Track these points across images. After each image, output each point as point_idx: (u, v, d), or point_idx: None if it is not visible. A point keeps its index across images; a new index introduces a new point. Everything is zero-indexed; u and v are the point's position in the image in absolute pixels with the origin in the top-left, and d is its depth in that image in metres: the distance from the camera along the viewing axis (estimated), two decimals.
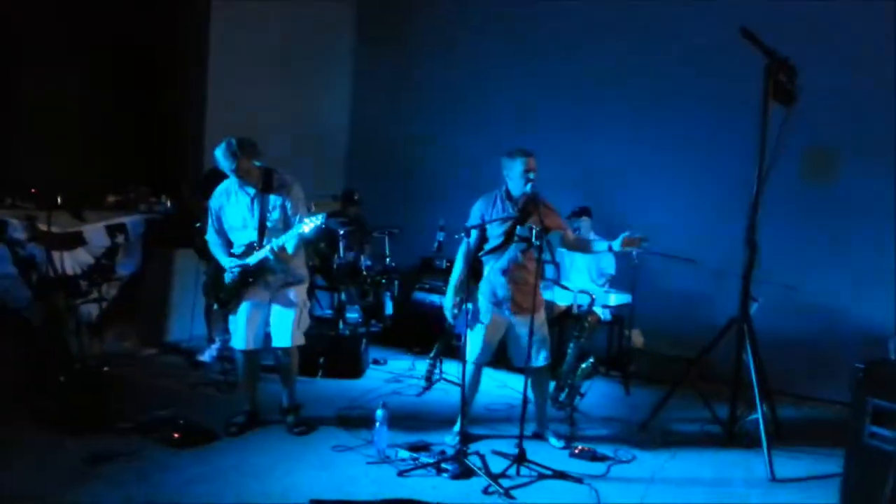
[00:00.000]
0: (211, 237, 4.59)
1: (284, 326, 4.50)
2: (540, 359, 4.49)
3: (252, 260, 4.38)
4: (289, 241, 4.26)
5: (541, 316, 4.57)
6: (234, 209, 4.47)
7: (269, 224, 4.42)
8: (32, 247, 5.25)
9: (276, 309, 4.52)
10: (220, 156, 4.28)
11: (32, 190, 5.69)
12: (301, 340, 4.61)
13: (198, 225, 5.70)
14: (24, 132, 5.86)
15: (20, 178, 5.82)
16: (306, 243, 4.69)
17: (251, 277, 4.45)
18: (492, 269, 4.48)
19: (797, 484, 4.29)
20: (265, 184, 4.43)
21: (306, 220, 4.21)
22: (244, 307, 4.50)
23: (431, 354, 5.69)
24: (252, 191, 4.42)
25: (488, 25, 7.42)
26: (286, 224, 4.40)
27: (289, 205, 4.42)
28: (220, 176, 5.61)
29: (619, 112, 6.74)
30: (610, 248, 4.55)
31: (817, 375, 5.71)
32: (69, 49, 6.03)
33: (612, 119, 6.77)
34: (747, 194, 4.72)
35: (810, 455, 4.66)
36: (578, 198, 6.25)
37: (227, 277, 4.49)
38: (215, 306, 4.90)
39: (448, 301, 4.53)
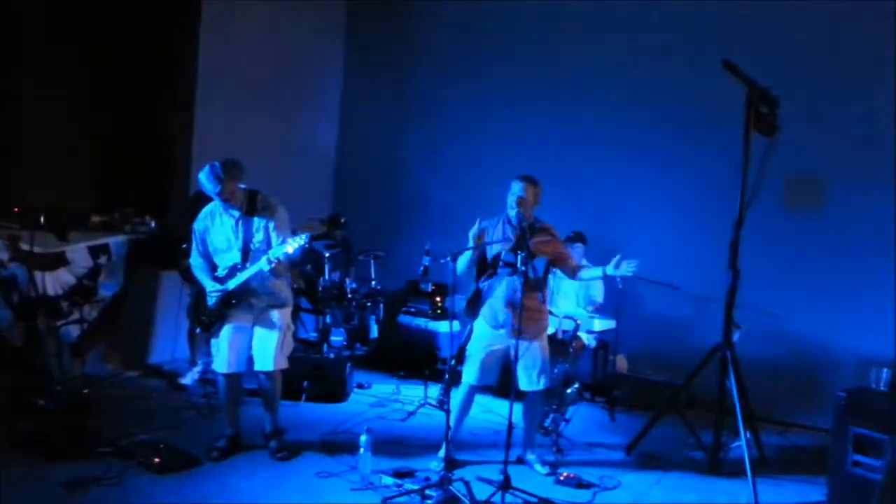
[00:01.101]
0: (195, 261, 4.56)
1: (267, 350, 4.47)
2: (540, 383, 4.50)
3: (241, 278, 4.35)
4: (279, 252, 4.23)
5: (542, 340, 4.58)
6: (218, 231, 4.46)
7: (252, 246, 4.41)
8: (14, 267, 5.20)
9: (258, 332, 4.49)
10: (205, 180, 4.26)
11: (15, 209, 5.65)
12: (284, 364, 4.57)
13: (184, 246, 5.67)
14: (7, 152, 5.83)
15: (3, 198, 5.79)
16: (291, 265, 4.67)
17: (234, 300, 4.42)
18: (493, 296, 4.49)
19: None
20: (249, 206, 4.42)
21: (290, 240, 4.21)
22: (226, 330, 4.46)
23: (445, 377, 5.60)
24: (237, 213, 4.41)
25: (480, 50, 7.47)
26: (269, 246, 4.38)
27: (272, 227, 4.41)
28: (205, 198, 5.63)
29: (606, 138, 6.80)
30: (604, 273, 4.55)
31: (801, 402, 5.74)
32: (58, 71, 6.03)
33: (600, 143, 6.82)
34: (732, 220, 4.77)
35: (794, 482, 4.66)
36: (567, 222, 6.28)
37: (211, 301, 4.46)
38: (197, 330, 4.86)
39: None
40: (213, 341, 4.58)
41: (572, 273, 4.69)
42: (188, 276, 5.78)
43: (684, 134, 6.43)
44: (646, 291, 6.26)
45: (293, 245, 4.19)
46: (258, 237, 4.41)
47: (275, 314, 4.50)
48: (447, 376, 5.63)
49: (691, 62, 6.26)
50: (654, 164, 6.60)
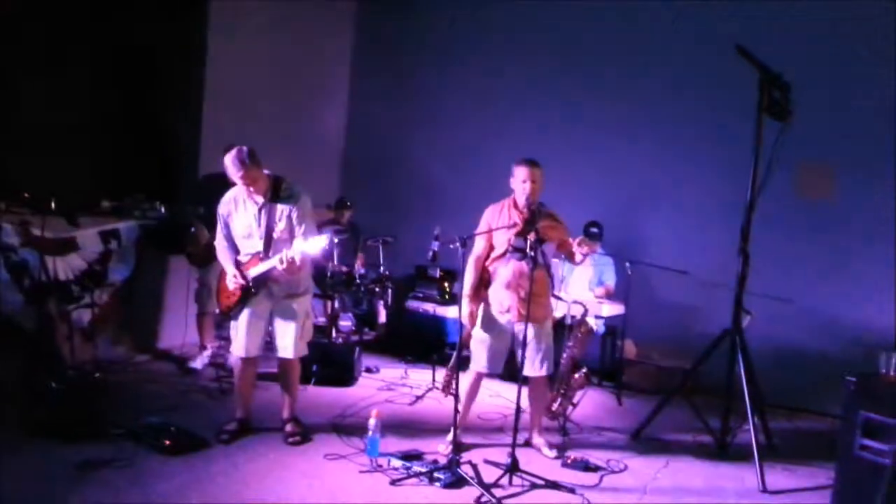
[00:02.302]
0: (219, 243, 4.57)
1: (287, 338, 4.50)
2: (544, 368, 4.52)
3: (258, 270, 4.37)
4: (296, 252, 4.23)
5: (547, 326, 4.59)
6: (241, 218, 4.45)
7: (275, 234, 4.40)
8: (25, 252, 5.24)
9: (278, 319, 4.51)
10: (229, 163, 4.26)
11: (25, 194, 5.68)
12: (304, 352, 4.61)
13: (192, 230, 5.70)
14: (19, 136, 5.85)
15: (14, 183, 5.82)
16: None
17: (254, 287, 4.44)
18: (498, 279, 4.50)
19: (788, 495, 4.30)
20: (273, 193, 4.41)
21: (312, 239, 4.20)
22: (245, 314, 4.48)
23: (450, 365, 5.56)
24: (260, 200, 4.41)
25: (486, 35, 7.46)
26: (292, 235, 4.38)
27: (295, 216, 4.39)
28: (213, 182, 5.62)
29: (614, 123, 6.78)
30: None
31: (810, 388, 5.72)
32: (67, 55, 6.04)
33: (609, 129, 6.81)
34: (742, 206, 4.74)
35: (802, 467, 4.68)
36: (574, 209, 6.28)
37: (231, 285, 4.49)
38: (217, 311, 4.89)
39: (464, 311, 4.48)
40: (232, 324, 4.60)
41: (572, 257, 4.66)
42: (195, 260, 5.83)
43: (695, 117, 6.41)
44: (655, 277, 6.26)
45: (313, 245, 4.18)
46: (281, 226, 4.39)
47: (294, 302, 4.51)
48: (452, 361, 5.62)
49: (700, 49, 6.23)
50: (663, 150, 6.59)
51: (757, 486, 4.31)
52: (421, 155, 7.75)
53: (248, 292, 4.44)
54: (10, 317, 5.22)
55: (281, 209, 4.39)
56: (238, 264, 4.48)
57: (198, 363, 5.86)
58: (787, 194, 5.81)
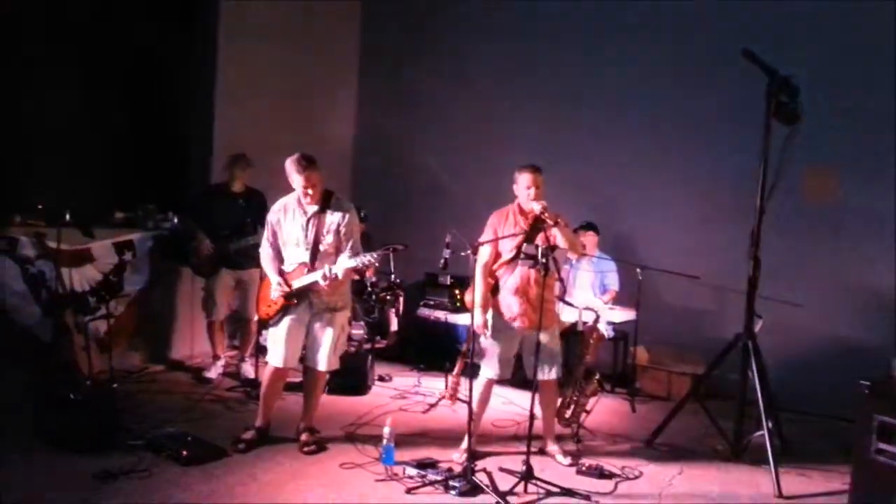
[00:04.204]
0: (264, 250, 4.63)
1: (321, 350, 4.54)
2: (550, 373, 4.53)
3: (301, 282, 4.43)
4: (340, 269, 4.32)
5: (554, 331, 4.60)
6: (289, 226, 4.52)
7: (321, 247, 4.46)
8: (42, 263, 5.30)
9: (314, 331, 4.55)
10: (290, 166, 4.34)
11: (40, 206, 5.73)
12: (335, 365, 4.65)
13: (193, 243, 5.76)
14: (33, 149, 5.91)
15: (29, 195, 5.88)
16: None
17: (295, 298, 4.49)
18: (506, 286, 4.52)
19: (804, 500, 4.29)
20: (323, 205, 4.47)
21: (361, 258, 4.28)
22: (285, 324, 4.52)
23: (455, 372, 5.57)
24: (311, 209, 4.46)
25: (495, 46, 7.49)
26: (338, 248, 4.44)
27: (344, 230, 4.46)
28: (208, 195, 5.57)
29: (624, 127, 6.80)
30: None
31: (824, 391, 5.69)
32: (80, 67, 6.11)
33: (617, 133, 6.83)
34: (753, 210, 4.75)
35: (817, 471, 4.66)
36: (582, 214, 6.32)
37: (273, 294, 4.53)
38: (256, 318, 4.93)
39: (477, 320, 4.46)
40: (271, 331, 4.64)
41: (575, 248, 4.63)
42: (199, 271, 5.89)
43: (704, 119, 6.42)
44: (665, 282, 6.26)
45: (359, 262, 4.27)
46: (329, 238, 4.46)
47: (332, 315, 4.55)
48: (456, 368, 5.63)
49: (711, 49, 6.24)
50: (674, 153, 6.59)
51: (772, 492, 4.30)
52: (429, 161, 7.79)
53: (290, 302, 4.49)
54: (28, 328, 5.28)
55: (329, 221, 4.46)
56: (281, 273, 4.53)
57: (213, 373, 5.91)
58: (797, 195, 5.80)
